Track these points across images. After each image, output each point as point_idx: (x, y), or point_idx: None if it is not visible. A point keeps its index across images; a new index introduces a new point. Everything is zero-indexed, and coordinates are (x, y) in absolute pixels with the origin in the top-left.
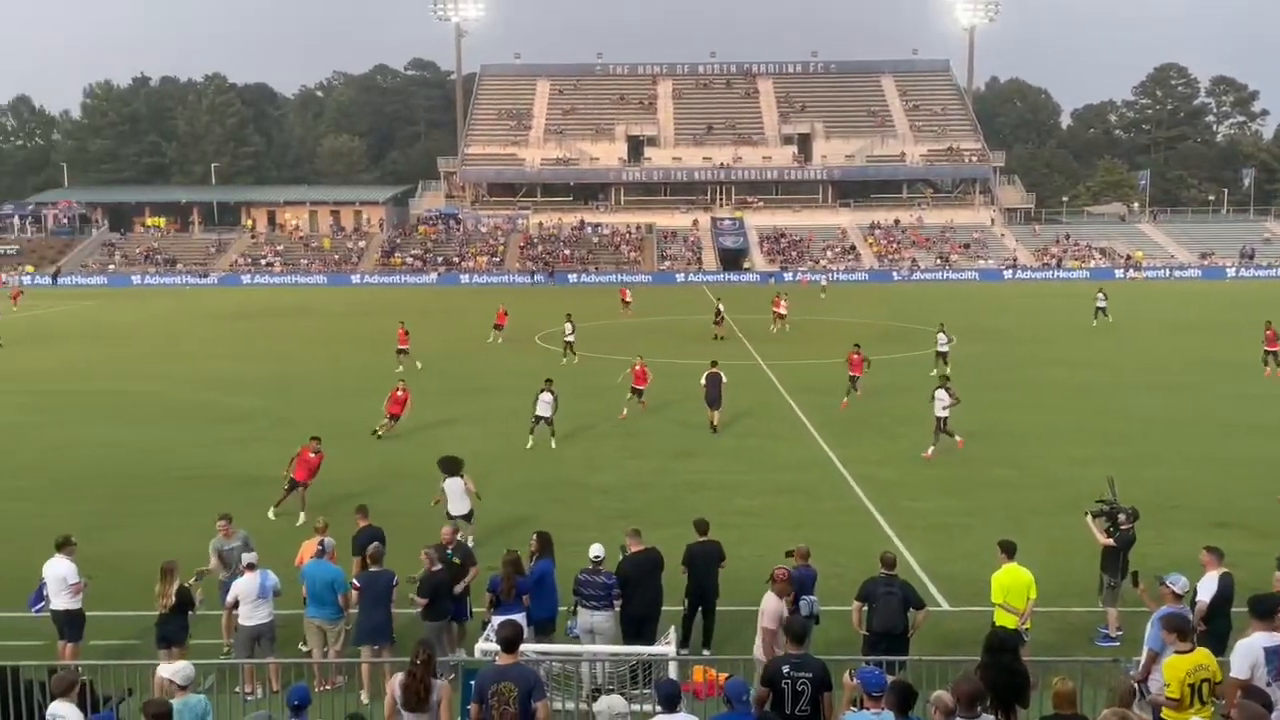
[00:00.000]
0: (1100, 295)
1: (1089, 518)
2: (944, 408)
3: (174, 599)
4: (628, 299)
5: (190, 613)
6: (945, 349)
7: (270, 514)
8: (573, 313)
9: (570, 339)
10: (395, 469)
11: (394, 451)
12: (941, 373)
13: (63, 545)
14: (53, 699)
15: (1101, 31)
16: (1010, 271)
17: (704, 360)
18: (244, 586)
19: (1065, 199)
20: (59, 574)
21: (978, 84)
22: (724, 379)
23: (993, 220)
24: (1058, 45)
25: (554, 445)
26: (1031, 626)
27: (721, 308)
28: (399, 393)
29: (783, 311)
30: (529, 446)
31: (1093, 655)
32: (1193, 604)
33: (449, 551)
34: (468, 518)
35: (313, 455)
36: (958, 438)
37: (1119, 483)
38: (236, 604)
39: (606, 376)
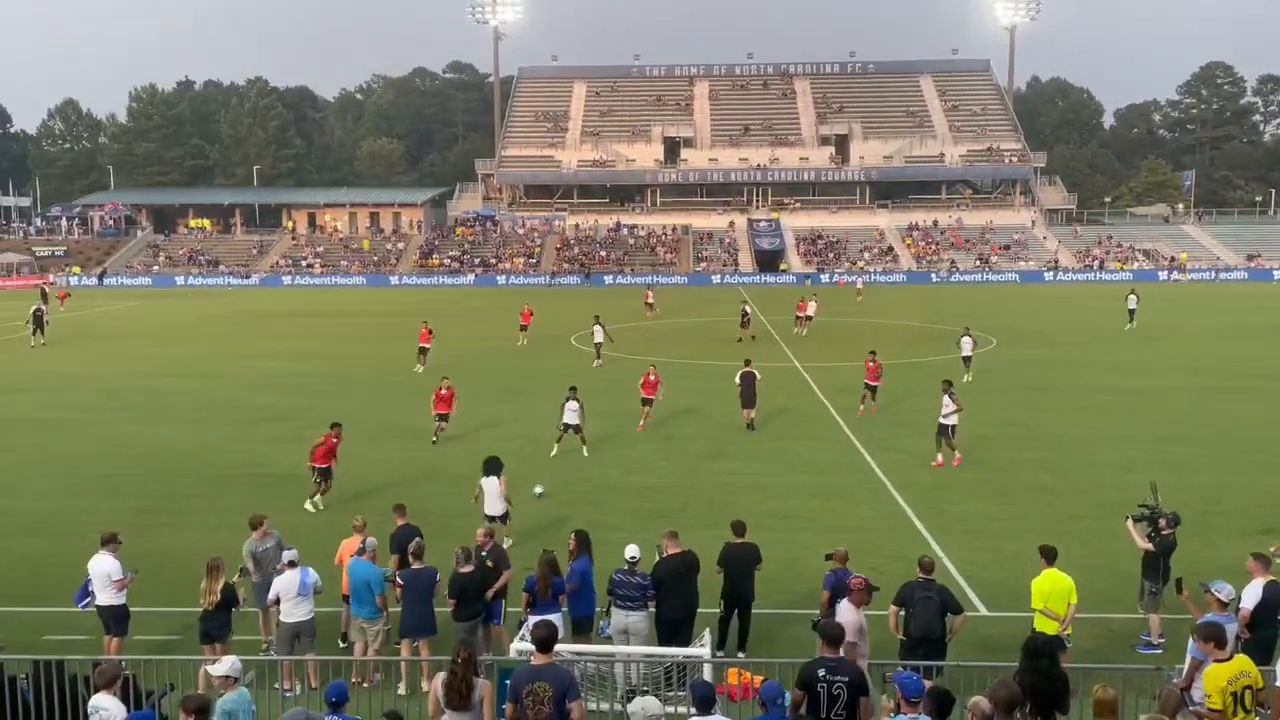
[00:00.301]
0: (1132, 297)
1: (1130, 522)
2: (949, 414)
3: (219, 596)
4: (650, 301)
5: (234, 610)
6: (970, 354)
7: (308, 506)
8: (602, 314)
9: (600, 341)
10: (428, 468)
11: (426, 450)
12: (967, 377)
13: (108, 542)
14: (95, 692)
15: (1145, 30)
16: (1051, 273)
17: (736, 361)
18: (285, 584)
19: (1108, 200)
20: (103, 570)
21: (1018, 84)
22: (758, 377)
23: (1033, 221)
24: (1100, 44)
25: (586, 453)
26: (1073, 632)
27: (748, 309)
28: (443, 390)
29: (810, 313)
30: (553, 454)
31: (1135, 663)
32: (1238, 611)
33: (484, 554)
34: (503, 519)
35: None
36: (957, 455)
37: (1163, 488)
38: (278, 601)
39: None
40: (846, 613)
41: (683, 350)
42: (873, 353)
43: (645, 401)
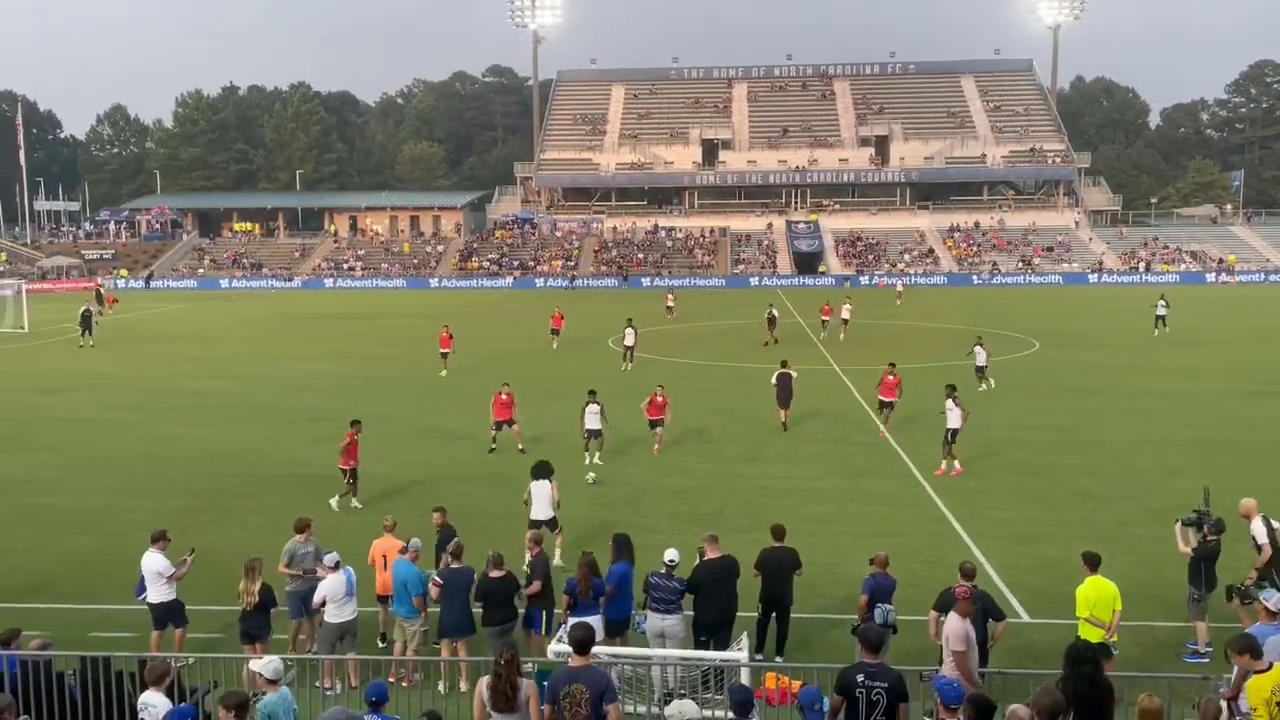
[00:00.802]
0: (1161, 302)
1: (1178, 525)
2: (958, 420)
3: (257, 597)
4: (670, 304)
5: (271, 609)
6: (984, 363)
7: (332, 504)
8: (634, 317)
9: (631, 344)
10: (468, 469)
11: (465, 452)
12: (988, 387)
13: (157, 539)
14: (144, 689)
15: (1192, 28)
16: (1096, 275)
17: (769, 363)
18: (331, 586)
19: (1154, 201)
20: (153, 568)
21: (1062, 83)
22: (795, 377)
23: (1077, 223)
24: (1146, 43)
25: (599, 460)
26: (1118, 640)
27: (775, 313)
28: (503, 396)
29: (845, 317)
30: (587, 463)
31: (1181, 671)
32: None
33: (527, 563)
34: (551, 525)
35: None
36: (957, 465)
37: (1215, 494)
38: (324, 603)
39: (680, 379)
40: (953, 622)
41: (716, 352)
42: (892, 365)
43: (653, 424)
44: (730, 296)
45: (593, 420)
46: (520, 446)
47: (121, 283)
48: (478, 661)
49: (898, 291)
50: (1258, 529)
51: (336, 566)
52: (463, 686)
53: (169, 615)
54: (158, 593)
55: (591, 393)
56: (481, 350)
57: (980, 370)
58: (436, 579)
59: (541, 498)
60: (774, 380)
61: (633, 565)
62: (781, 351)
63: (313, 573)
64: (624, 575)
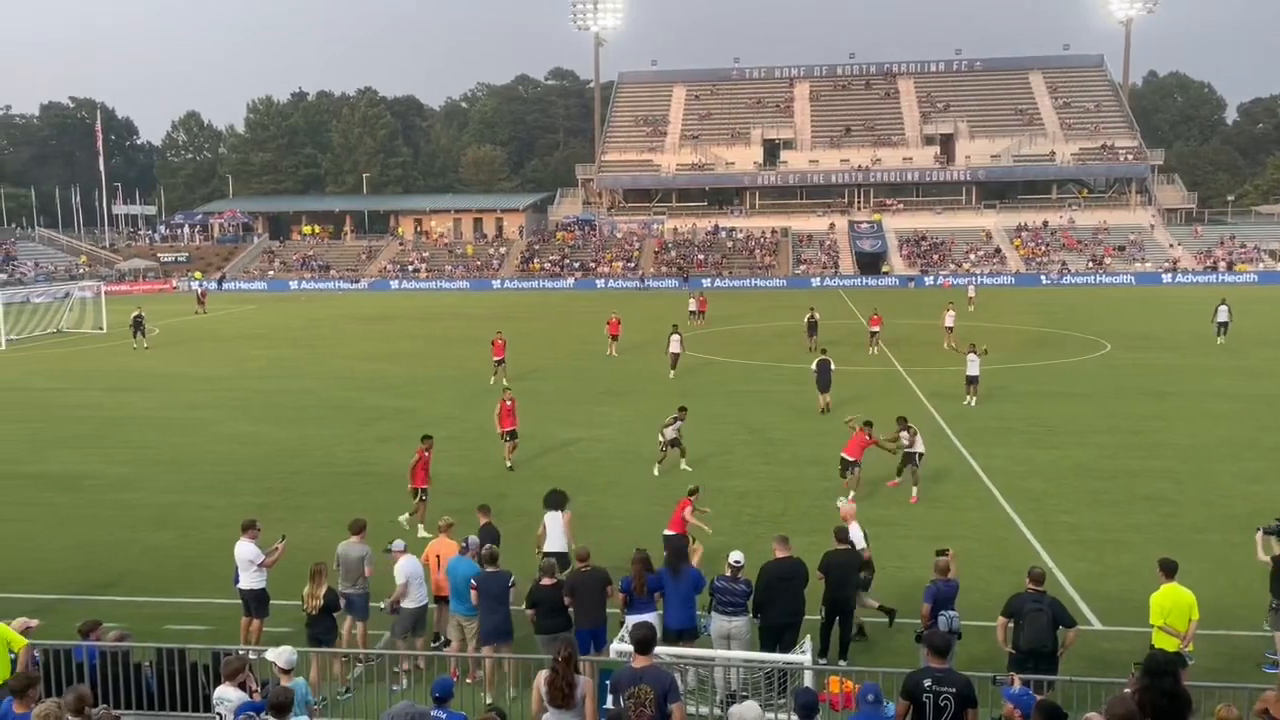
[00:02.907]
0: (1223, 308)
1: (1259, 534)
2: (908, 444)
3: (322, 600)
4: (693, 309)
5: (336, 613)
6: (976, 373)
7: (402, 521)
8: (680, 322)
9: (676, 351)
10: (531, 472)
11: (527, 454)
12: (971, 403)
13: (247, 528)
14: (220, 683)
15: (1270, 22)
16: (1170, 275)
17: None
18: (410, 566)
19: (1231, 198)
20: (244, 556)
21: (1134, 79)
22: (834, 366)
23: (1151, 222)
24: (1222, 37)
25: (685, 466)
26: (1194, 649)
27: (816, 317)
28: (507, 402)
29: (950, 324)
30: (656, 473)
31: (1259, 682)
32: None
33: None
34: (562, 559)
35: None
36: (915, 491)
37: None
38: (405, 586)
39: (739, 382)
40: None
41: (775, 353)
42: (868, 424)
43: (506, 434)
44: (776, 298)
45: (671, 432)
46: (509, 464)
47: (196, 284)
48: (536, 659)
49: (969, 296)
50: None
51: (404, 550)
52: (511, 693)
53: (255, 603)
54: (248, 579)
55: (681, 409)
56: (544, 352)
57: (971, 380)
58: (473, 582)
59: (555, 530)
60: (814, 367)
61: (677, 571)
62: (839, 352)
63: (361, 577)
64: (667, 580)
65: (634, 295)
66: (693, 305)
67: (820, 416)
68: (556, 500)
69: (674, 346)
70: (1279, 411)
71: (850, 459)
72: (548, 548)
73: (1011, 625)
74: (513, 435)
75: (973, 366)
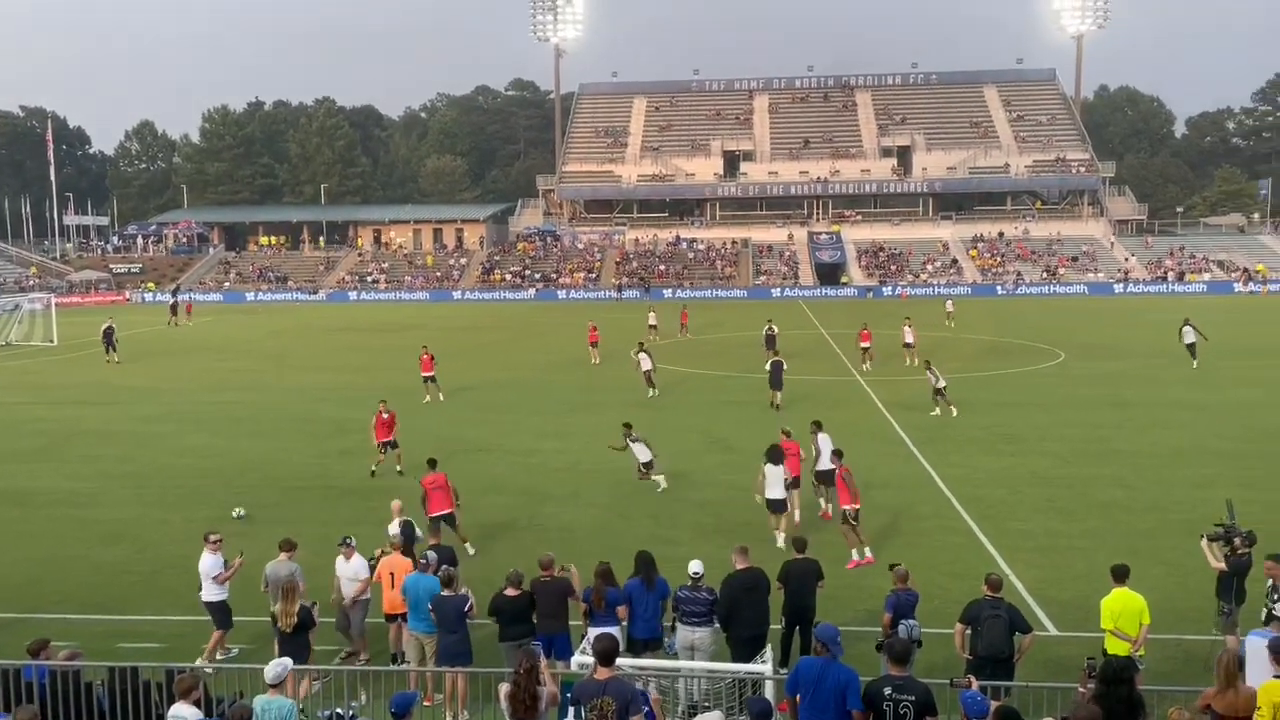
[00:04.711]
0: (1188, 330)
1: (1205, 541)
2: (824, 457)
3: (296, 618)
4: (653, 322)
5: (310, 631)
6: (941, 385)
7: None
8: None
9: (648, 369)
10: (489, 482)
11: (489, 465)
12: (946, 412)
13: (208, 540)
14: (174, 701)
15: (1217, 37)
16: (1121, 285)
17: (790, 373)
18: (360, 565)
19: (1180, 210)
20: (203, 567)
21: (1086, 92)
22: (785, 366)
23: (1105, 234)
24: (1171, 52)
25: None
26: (1145, 654)
27: (774, 330)
28: (384, 415)
29: (909, 340)
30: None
31: (1210, 685)
32: None
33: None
34: (778, 505)
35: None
36: (827, 506)
37: (1243, 506)
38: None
39: (703, 392)
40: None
41: (737, 364)
42: (838, 452)
43: (384, 445)
44: (737, 309)
45: (643, 454)
46: (399, 468)
47: (149, 296)
48: (499, 673)
49: (948, 311)
50: None
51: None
52: (464, 717)
53: (216, 614)
54: (209, 591)
55: (627, 426)
56: (514, 361)
57: (939, 392)
58: (430, 606)
59: (775, 479)
60: (767, 367)
61: (645, 584)
62: (797, 363)
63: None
64: (637, 591)
65: (605, 306)
66: (653, 319)
67: (779, 420)
68: (775, 455)
69: (645, 364)
70: (1228, 420)
71: (792, 476)
72: (769, 495)
73: (969, 632)
74: (393, 445)
75: (937, 380)
